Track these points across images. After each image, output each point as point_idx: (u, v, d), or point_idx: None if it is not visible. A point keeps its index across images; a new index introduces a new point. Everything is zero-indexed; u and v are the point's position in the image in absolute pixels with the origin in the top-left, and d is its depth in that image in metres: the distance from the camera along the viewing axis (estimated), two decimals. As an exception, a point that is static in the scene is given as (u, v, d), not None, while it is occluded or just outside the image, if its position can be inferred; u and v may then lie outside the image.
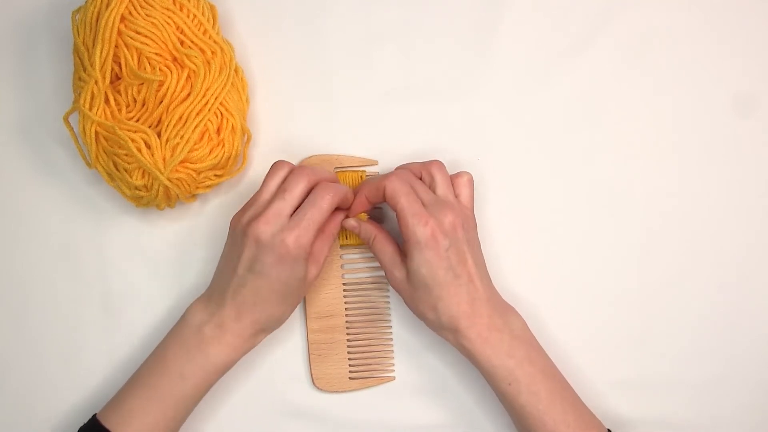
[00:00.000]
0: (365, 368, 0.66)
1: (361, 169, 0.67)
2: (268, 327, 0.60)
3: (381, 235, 0.62)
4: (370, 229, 0.62)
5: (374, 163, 0.67)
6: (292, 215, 0.58)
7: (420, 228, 0.57)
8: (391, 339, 0.66)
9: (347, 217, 0.63)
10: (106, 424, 0.57)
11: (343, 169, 0.67)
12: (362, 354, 0.66)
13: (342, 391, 0.65)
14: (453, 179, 0.62)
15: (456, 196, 0.61)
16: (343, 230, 0.65)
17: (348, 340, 0.65)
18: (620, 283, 0.66)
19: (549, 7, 0.68)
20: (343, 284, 0.66)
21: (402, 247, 0.61)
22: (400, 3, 0.69)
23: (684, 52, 0.68)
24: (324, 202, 0.58)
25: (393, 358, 0.66)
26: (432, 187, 0.61)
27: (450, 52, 0.68)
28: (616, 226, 0.67)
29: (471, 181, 0.62)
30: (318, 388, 0.65)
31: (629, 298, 0.66)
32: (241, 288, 0.58)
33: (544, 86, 0.68)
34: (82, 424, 0.59)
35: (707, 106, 0.67)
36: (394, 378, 0.66)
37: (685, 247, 0.66)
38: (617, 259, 0.66)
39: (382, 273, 0.65)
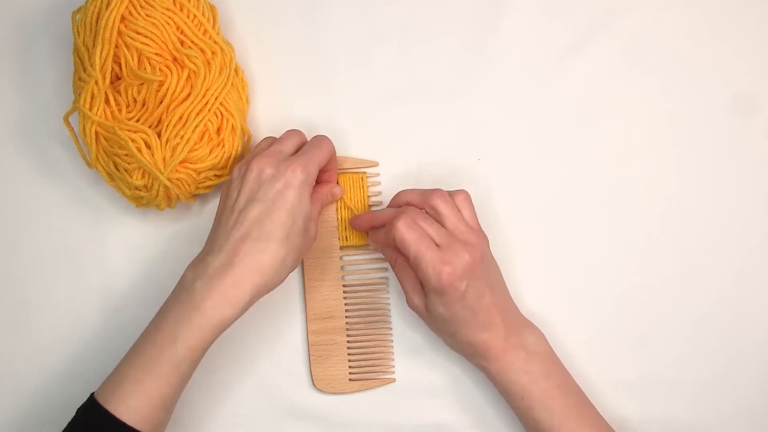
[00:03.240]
0: (365, 370, 0.65)
1: (362, 170, 0.67)
2: (265, 277, 0.55)
3: (402, 259, 0.60)
4: (391, 254, 0.61)
5: (375, 164, 0.67)
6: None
7: (435, 277, 0.56)
8: (392, 340, 0.66)
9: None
10: (102, 400, 0.54)
11: (344, 171, 0.66)
12: (362, 355, 0.65)
13: (342, 393, 0.65)
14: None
15: None
16: (344, 231, 0.66)
17: (348, 341, 0.65)
18: (620, 284, 0.66)
19: (549, 8, 0.68)
20: (344, 285, 0.66)
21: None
22: (400, 3, 0.69)
23: (684, 52, 0.68)
24: (324, 142, 0.59)
25: (393, 359, 0.66)
26: (440, 221, 0.59)
27: (450, 52, 0.68)
28: (616, 226, 0.67)
29: (469, 198, 0.61)
30: (318, 389, 0.65)
31: (629, 299, 0.66)
32: (239, 225, 0.56)
33: (544, 86, 0.68)
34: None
35: (707, 106, 0.67)
36: (394, 380, 0.66)
37: (685, 247, 0.66)
38: (617, 259, 0.66)
39: (383, 275, 0.67)
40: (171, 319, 0.55)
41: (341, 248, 0.66)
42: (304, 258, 0.65)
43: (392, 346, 0.66)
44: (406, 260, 0.58)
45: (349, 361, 0.65)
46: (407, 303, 0.60)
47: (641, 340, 0.66)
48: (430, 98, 0.68)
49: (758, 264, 0.66)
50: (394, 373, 0.66)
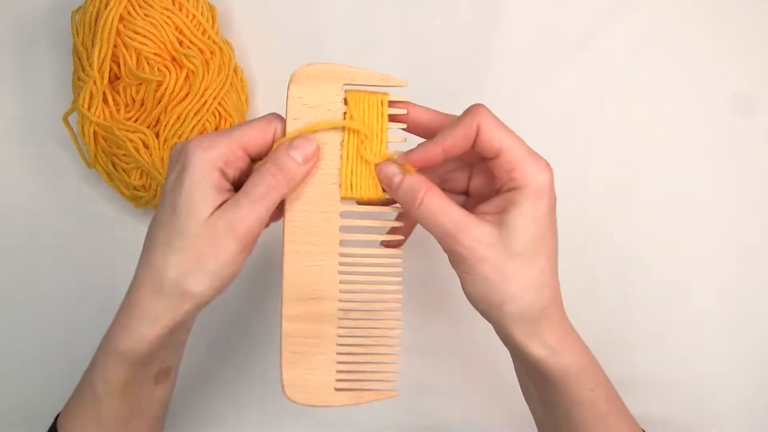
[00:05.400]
0: (360, 377, 0.48)
1: (383, 89, 0.48)
2: (160, 291, 0.45)
3: (436, 187, 0.46)
4: (419, 182, 0.45)
5: (403, 84, 0.48)
6: None
7: (542, 172, 0.45)
8: (400, 339, 0.50)
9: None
10: (60, 425, 0.51)
11: (357, 88, 0.48)
12: (358, 356, 0.48)
13: (323, 406, 0.48)
14: None
15: None
16: (351, 175, 0.47)
17: (340, 335, 0.48)
18: (621, 283, 0.66)
19: (549, 7, 0.68)
20: (341, 255, 0.48)
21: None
22: (400, 3, 0.69)
23: (684, 52, 0.68)
24: (256, 120, 0.46)
25: (397, 364, 0.50)
26: None
27: (450, 52, 0.68)
28: (616, 226, 0.67)
29: None
30: (289, 398, 0.48)
31: (630, 299, 0.66)
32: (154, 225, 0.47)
33: (544, 86, 0.68)
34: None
35: (707, 106, 0.67)
36: (396, 393, 0.49)
37: (685, 247, 0.66)
38: (618, 258, 0.66)
39: (403, 239, 0.51)
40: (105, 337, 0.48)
41: (342, 201, 0.48)
42: (285, 221, 0.47)
43: (399, 347, 0.50)
44: (472, 164, 0.48)
45: (339, 363, 0.48)
46: (454, 250, 0.45)
47: (642, 340, 0.66)
48: (430, 98, 0.68)
49: (758, 264, 0.66)
50: (396, 384, 0.50)
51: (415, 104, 0.48)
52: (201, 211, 0.44)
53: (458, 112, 0.67)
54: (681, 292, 0.66)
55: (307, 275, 0.47)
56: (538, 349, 0.46)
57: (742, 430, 0.65)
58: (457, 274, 0.46)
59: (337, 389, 0.48)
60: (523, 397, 0.54)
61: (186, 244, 0.44)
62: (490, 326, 0.48)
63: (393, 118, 0.48)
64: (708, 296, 0.66)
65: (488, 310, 0.45)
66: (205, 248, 0.44)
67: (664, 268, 0.66)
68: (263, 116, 0.47)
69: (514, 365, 0.52)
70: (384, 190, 0.47)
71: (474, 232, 0.44)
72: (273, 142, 0.46)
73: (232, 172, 0.46)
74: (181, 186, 0.44)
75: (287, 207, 0.47)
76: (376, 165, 0.47)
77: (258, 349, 0.66)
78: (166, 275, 0.44)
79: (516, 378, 0.54)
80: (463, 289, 0.46)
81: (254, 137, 0.46)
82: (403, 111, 0.48)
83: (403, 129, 0.48)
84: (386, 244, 0.49)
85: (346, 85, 0.47)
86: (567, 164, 0.67)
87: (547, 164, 0.46)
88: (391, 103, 0.48)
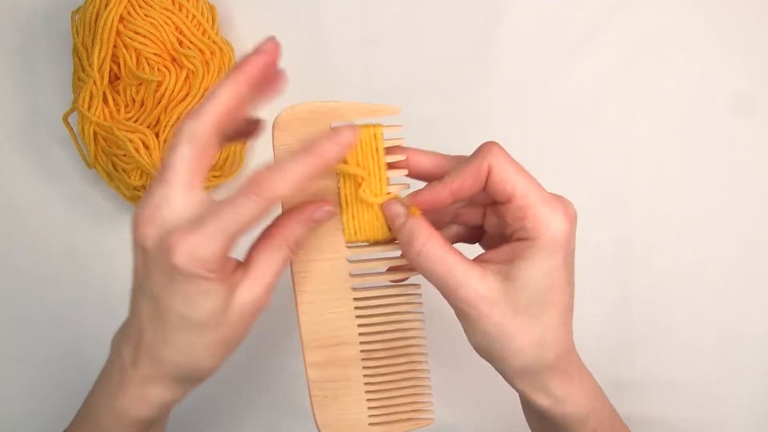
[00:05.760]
0: (393, 410, 0.48)
1: (376, 122, 0.45)
2: (181, 377, 0.42)
3: (438, 235, 0.43)
4: (419, 228, 0.42)
5: (396, 111, 0.45)
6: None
7: (557, 222, 0.41)
8: (428, 369, 0.49)
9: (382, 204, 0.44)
10: None
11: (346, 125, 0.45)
12: (389, 391, 0.48)
13: None
14: None
15: None
16: (352, 219, 0.45)
17: (366, 375, 0.47)
18: (620, 283, 0.66)
19: (549, 7, 0.68)
20: (355, 300, 0.46)
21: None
22: (400, 3, 0.69)
23: (684, 51, 0.68)
24: (241, 199, 0.39)
25: (431, 393, 0.49)
26: None
27: (450, 52, 0.68)
28: (616, 226, 0.67)
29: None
30: None
31: (629, 299, 0.66)
32: (134, 319, 0.42)
33: (545, 86, 0.68)
34: None
35: (707, 106, 0.67)
36: (433, 420, 0.49)
37: (685, 246, 0.66)
38: (617, 258, 0.66)
39: (408, 275, 0.48)
40: (100, 398, 0.45)
41: (348, 246, 0.46)
42: (293, 272, 0.46)
43: (429, 377, 0.49)
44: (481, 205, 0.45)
45: (369, 400, 0.47)
46: (458, 300, 0.42)
47: (641, 340, 0.66)
48: (430, 98, 0.68)
49: (758, 264, 0.66)
50: (432, 411, 0.49)
51: (413, 149, 0.45)
52: (217, 310, 0.40)
53: (458, 112, 0.67)
54: (681, 292, 0.66)
55: (324, 323, 0.46)
56: (542, 399, 0.44)
57: (742, 430, 0.65)
58: (460, 322, 0.44)
59: (371, 424, 0.47)
60: (519, 398, 0.54)
61: (209, 339, 0.41)
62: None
63: (392, 166, 0.45)
64: (708, 296, 0.66)
65: (490, 360, 0.44)
66: (229, 333, 0.41)
67: (664, 267, 0.66)
68: (244, 193, 0.39)
69: (520, 399, 0.50)
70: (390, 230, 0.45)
71: (477, 287, 0.41)
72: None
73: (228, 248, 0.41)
74: (179, 296, 0.39)
75: (293, 259, 0.45)
76: (381, 204, 0.44)
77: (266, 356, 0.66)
78: (191, 367, 0.42)
79: None
80: (466, 335, 0.44)
81: (247, 224, 0.39)
82: (402, 157, 0.44)
83: (405, 176, 0.45)
84: (397, 280, 0.47)
85: (333, 124, 0.44)
86: (567, 163, 0.67)
87: (566, 211, 0.42)
88: (388, 150, 0.44)
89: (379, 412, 0.47)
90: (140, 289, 0.41)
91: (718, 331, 0.66)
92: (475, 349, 0.44)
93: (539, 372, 0.43)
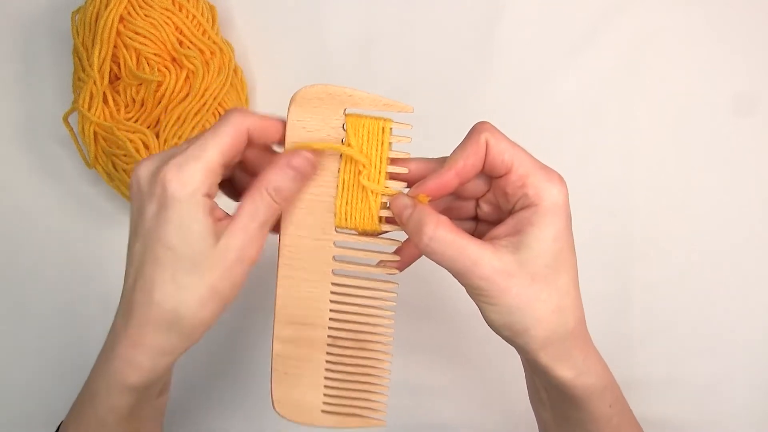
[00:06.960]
0: (347, 402, 0.48)
1: (385, 115, 0.46)
2: (168, 325, 0.42)
3: (446, 220, 0.43)
4: (427, 215, 0.43)
5: (408, 109, 0.45)
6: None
7: (555, 186, 0.43)
8: (389, 370, 0.49)
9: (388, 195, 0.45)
10: None
11: (358, 114, 0.45)
12: (346, 383, 0.48)
13: (309, 425, 0.48)
14: None
15: None
16: (346, 205, 0.46)
17: (329, 361, 0.47)
18: (620, 283, 0.66)
19: (549, 7, 0.68)
20: (333, 284, 0.47)
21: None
22: (400, 3, 0.69)
23: (684, 52, 0.68)
24: (224, 120, 0.42)
25: (385, 395, 0.49)
26: None
27: (450, 52, 0.68)
28: (616, 226, 0.67)
29: None
30: (277, 412, 0.48)
31: (629, 298, 0.66)
32: (129, 265, 0.43)
33: (545, 86, 0.68)
34: None
35: (707, 106, 0.67)
36: (384, 423, 0.49)
37: (685, 246, 0.66)
38: (617, 258, 0.66)
39: (392, 275, 0.48)
40: (97, 366, 0.46)
41: (338, 230, 0.46)
42: (280, 245, 0.47)
43: (388, 378, 0.49)
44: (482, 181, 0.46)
45: (326, 387, 0.48)
46: (471, 279, 0.42)
47: (641, 339, 0.66)
48: (430, 98, 0.68)
49: (758, 264, 0.66)
50: (385, 412, 0.49)
51: (416, 159, 0.46)
52: (205, 244, 0.42)
53: (458, 112, 0.67)
54: (681, 292, 0.66)
55: (299, 301, 0.47)
56: (565, 371, 0.44)
57: (742, 430, 0.65)
58: (476, 303, 0.44)
59: (323, 411, 0.48)
60: (520, 397, 0.54)
61: (196, 280, 0.42)
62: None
63: (393, 177, 0.45)
64: (708, 296, 0.66)
65: (513, 336, 0.43)
66: (217, 279, 0.42)
67: (664, 267, 0.66)
68: (228, 118, 0.43)
69: (526, 375, 0.50)
70: (380, 223, 0.46)
71: (492, 262, 0.42)
72: (247, 141, 0.44)
73: (215, 188, 0.44)
74: (170, 223, 0.41)
75: (283, 231, 0.46)
76: (390, 198, 0.45)
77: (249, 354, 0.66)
78: (179, 313, 0.42)
79: (512, 378, 0.54)
80: (484, 317, 0.44)
81: (229, 149, 0.42)
82: (404, 170, 0.45)
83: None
84: (383, 264, 0.48)
85: (347, 110, 0.45)
86: (567, 164, 0.67)
87: (560, 178, 0.44)
88: (392, 161, 0.45)
89: (333, 401, 0.48)
90: (134, 234, 0.42)
91: (718, 330, 0.66)
92: (494, 328, 0.44)
93: (562, 340, 0.43)
